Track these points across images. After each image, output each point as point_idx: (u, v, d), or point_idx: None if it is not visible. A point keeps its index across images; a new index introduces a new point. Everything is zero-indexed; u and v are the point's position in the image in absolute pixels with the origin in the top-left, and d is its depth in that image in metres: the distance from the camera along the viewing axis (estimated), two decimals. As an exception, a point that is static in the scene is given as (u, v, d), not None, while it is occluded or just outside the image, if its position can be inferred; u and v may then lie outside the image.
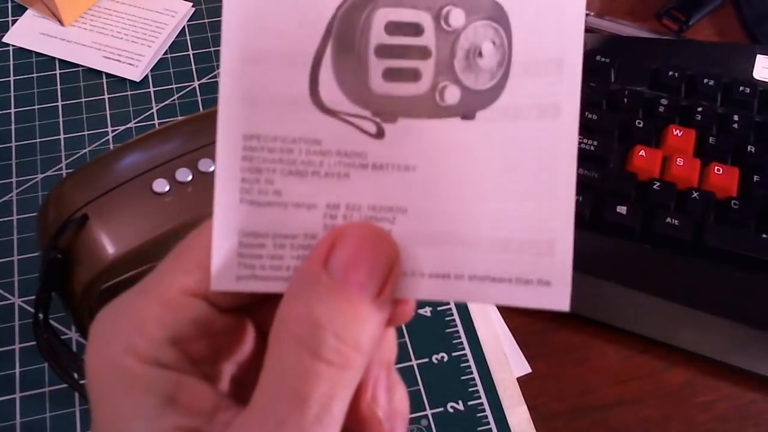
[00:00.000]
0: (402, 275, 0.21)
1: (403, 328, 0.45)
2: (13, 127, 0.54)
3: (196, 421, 0.20)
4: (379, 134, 0.21)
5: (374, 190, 0.21)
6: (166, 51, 0.59)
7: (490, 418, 0.42)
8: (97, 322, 0.21)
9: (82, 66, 0.58)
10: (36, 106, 0.55)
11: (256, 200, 0.21)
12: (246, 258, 0.21)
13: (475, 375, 0.43)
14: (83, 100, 0.56)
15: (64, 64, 0.58)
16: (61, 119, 0.55)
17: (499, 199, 0.21)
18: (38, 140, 0.54)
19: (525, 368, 0.45)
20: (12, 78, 0.57)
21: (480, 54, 0.21)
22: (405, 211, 0.21)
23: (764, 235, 0.47)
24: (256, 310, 0.23)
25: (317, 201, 0.21)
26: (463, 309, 0.46)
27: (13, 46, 0.59)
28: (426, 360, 0.44)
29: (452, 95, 0.21)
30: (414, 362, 0.44)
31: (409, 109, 0.21)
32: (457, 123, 0.21)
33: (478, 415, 0.42)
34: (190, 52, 0.59)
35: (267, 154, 0.21)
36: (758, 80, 0.55)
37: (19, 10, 0.61)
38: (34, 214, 0.48)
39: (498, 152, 0.21)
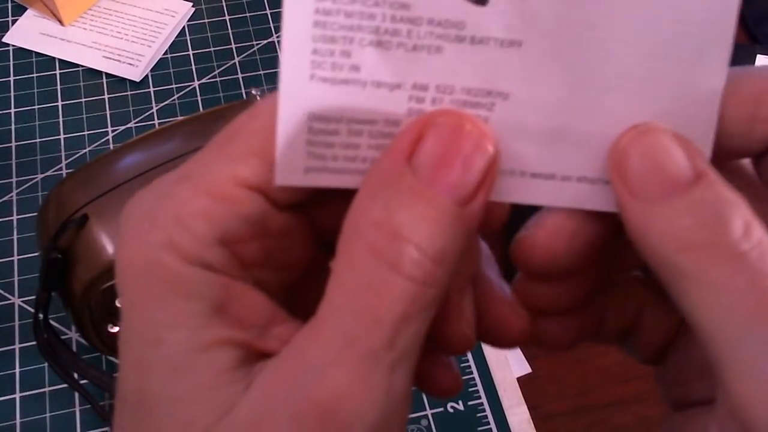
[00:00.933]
0: (500, 174, 0.18)
1: (403, 328, 0.45)
2: (13, 127, 0.54)
3: (247, 334, 0.18)
4: (482, 0, 0.18)
5: (471, 69, 0.18)
6: (166, 51, 0.59)
7: (490, 418, 0.42)
8: (130, 212, 0.18)
9: (82, 66, 0.58)
10: (36, 106, 0.55)
11: (329, 77, 0.18)
12: (316, 147, 0.18)
13: (475, 375, 0.43)
14: (83, 100, 0.56)
15: (64, 64, 0.58)
16: (61, 119, 0.55)
17: (625, 88, 0.18)
18: (38, 140, 0.54)
19: (525, 368, 0.45)
20: (12, 78, 0.57)
21: None
22: (506, 96, 0.18)
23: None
24: (316, 206, 0.20)
25: (403, 80, 0.18)
26: (463, 309, 0.46)
27: (13, 46, 0.59)
28: (426, 360, 0.44)
29: None
30: (414, 362, 0.44)
31: None
32: None
33: (478, 415, 0.42)
34: (190, 52, 0.59)
35: (344, 19, 0.18)
36: (758, 80, 0.55)
37: (19, 10, 0.61)
38: (34, 214, 0.48)
39: (627, 31, 0.18)
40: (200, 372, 0.17)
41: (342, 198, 0.18)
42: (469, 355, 0.44)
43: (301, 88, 0.18)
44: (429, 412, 0.42)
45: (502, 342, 0.21)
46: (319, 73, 0.18)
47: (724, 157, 0.19)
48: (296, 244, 0.20)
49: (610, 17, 0.18)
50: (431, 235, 0.16)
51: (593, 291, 0.21)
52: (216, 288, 0.17)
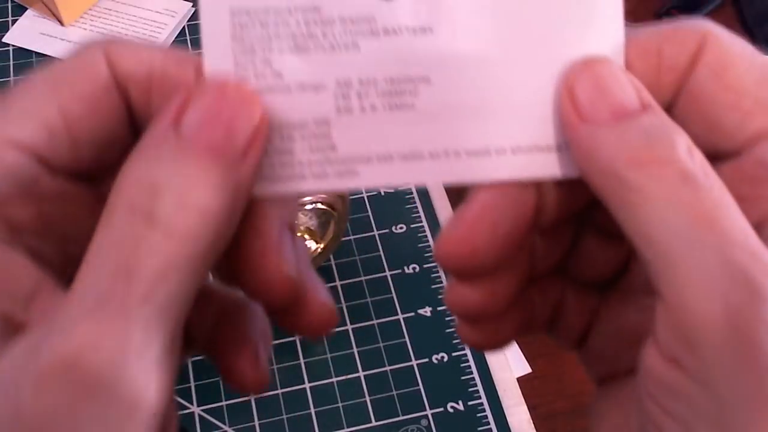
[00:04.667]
0: (442, 156, 0.19)
1: (403, 328, 0.45)
2: (13, 127, 0.54)
3: (6, 303, 0.17)
4: None
5: (389, 59, 0.19)
6: (166, 51, 0.59)
7: (490, 418, 0.42)
8: None
9: (82, 66, 0.57)
10: (36, 106, 0.55)
11: (254, 87, 0.19)
12: None
13: (475, 375, 0.43)
14: (83, 100, 0.56)
15: (64, 64, 0.58)
16: (61, 119, 0.55)
17: (536, 56, 0.19)
18: (38, 140, 0.53)
19: (525, 368, 0.45)
20: (12, 78, 0.57)
21: None
22: (428, 80, 0.19)
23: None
24: (106, 177, 0.19)
25: (325, 79, 0.19)
26: (463, 309, 0.46)
27: (13, 46, 0.59)
28: (426, 360, 0.44)
29: None
30: (414, 362, 0.44)
31: None
32: None
33: (478, 415, 0.42)
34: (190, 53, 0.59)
35: (260, 29, 0.18)
36: (758, 80, 0.55)
37: (19, 10, 0.61)
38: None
39: (524, 2, 0.19)
40: None
41: None
42: (469, 355, 0.44)
43: None
44: (429, 412, 0.42)
45: (307, 332, 0.21)
46: None
47: None
48: (82, 214, 0.19)
49: None
50: (190, 187, 0.16)
51: (520, 290, 0.21)
52: None
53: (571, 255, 0.23)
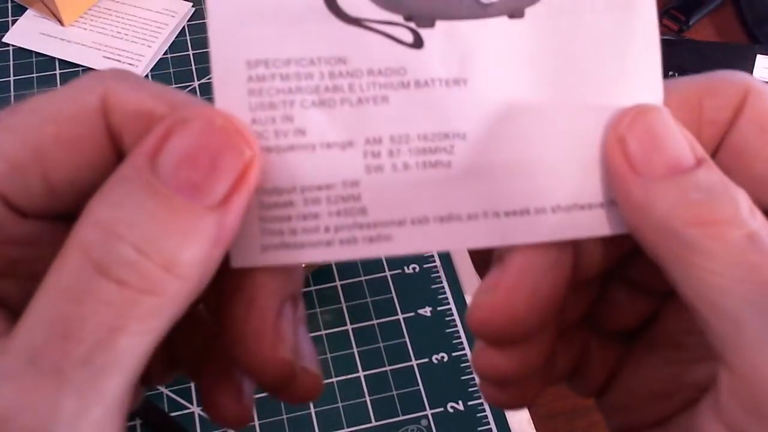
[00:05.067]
0: (481, 217, 0.17)
1: (403, 328, 0.45)
2: (13, 127, 0.54)
3: None
4: (417, 43, 0.17)
5: (422, 113, 0.17)
6: (166, 51, 0.59)
7: (490, 418, 0.42)
8: None
9: (82, 66, 0.57)
10: (36, 106, 0.55)
11: (274, 146, 0.17)
12: (270, 222, 0.17)
13: (475, 375, 0.43)
14: (83, 100, 0.56)
15: (64, 64, 0.58)
16: (61, 119, 0.55)
17: (574, 111, 0.18)
18: (38, 140, 0.53)
19: (525, 368, 0.45)
20: (12, 78, 0.57)
21: None
22: (464, 136, 0.17)
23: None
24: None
25: (353, 136, 0.17)
26: (462, 309, 0.46)
27: (13, 46, 0.59)
28: (426, 360, 0.44)
29: None
30: (414, 362, 0.44)
31: (447, 9, 0.17)
32: (505, 23, 0.17)
33: (478, 415, 0.42)
34: (190, 52, 0.59)
35: (280, 83, 0.17)
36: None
37: (19, 10, 0.61)
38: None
39: (559, 54, 0.17)
40: None
41: None
42: (469, 355, 0.44)
43: None
44: (429, 412, 0.42)
45: (290, 401, 0.20)
46: (263, 143, 0.17)
47: None
48: (55, 254, 0.17)
49: (530, 48, 0.17)
50: (154, 235, 0.14)
51: (551, 350, 0.20)
52: None
53: (598, 305, 0.21)
